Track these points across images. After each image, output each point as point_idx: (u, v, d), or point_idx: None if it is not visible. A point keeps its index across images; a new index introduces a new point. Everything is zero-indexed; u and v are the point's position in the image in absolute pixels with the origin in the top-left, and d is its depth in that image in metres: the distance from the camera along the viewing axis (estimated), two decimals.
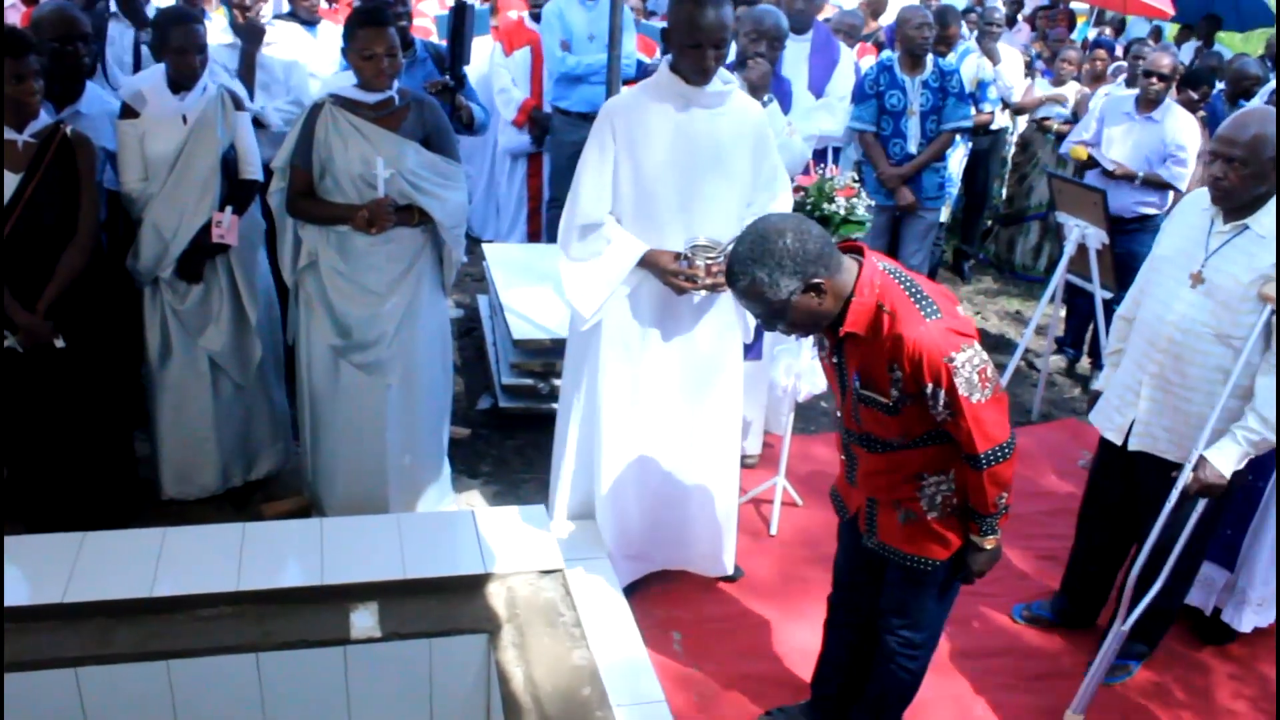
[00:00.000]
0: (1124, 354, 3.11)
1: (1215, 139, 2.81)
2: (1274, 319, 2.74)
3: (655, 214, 3.03)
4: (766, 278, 2.16)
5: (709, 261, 2.95)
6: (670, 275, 2.99)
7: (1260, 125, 2.72)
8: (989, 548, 2.41)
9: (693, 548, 3.45)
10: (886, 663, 2.66)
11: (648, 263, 3.02)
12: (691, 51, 2.90)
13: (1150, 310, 2.97)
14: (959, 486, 2.39)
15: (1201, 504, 2.91)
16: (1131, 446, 3.02)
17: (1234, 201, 2.80)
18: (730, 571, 3.54)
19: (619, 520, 3.30)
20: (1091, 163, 5.44)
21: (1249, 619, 3.43)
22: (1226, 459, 2.81)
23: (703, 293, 3.03)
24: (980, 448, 2.25)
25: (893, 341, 2.20)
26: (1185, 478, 2.85)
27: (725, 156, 3.02)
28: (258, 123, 4.24)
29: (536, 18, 6.15)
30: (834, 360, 2.40)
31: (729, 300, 3.14)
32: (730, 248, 2.88)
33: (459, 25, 4.04)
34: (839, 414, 2.49)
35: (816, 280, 2.18)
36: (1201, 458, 2.82)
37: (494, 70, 6.17)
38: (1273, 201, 2.78)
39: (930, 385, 2.20)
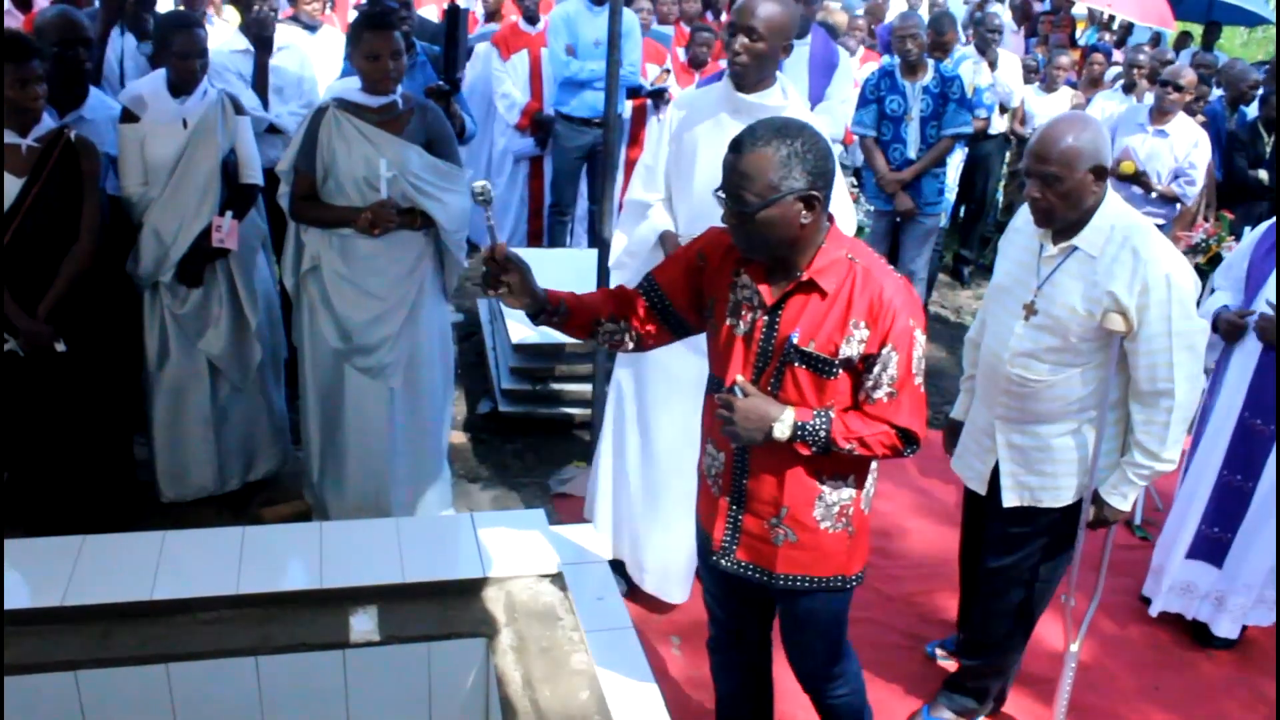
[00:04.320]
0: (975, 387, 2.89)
1: (1026, 154, 2.54)
2: (1127, 346, 2.54)
3: (689, 212, 3.04)
4: (784, 155, 1.95)
5: None
6: None
7: (1072, 137, 2.44)
8: (783, 432, 2.07)
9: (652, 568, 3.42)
10: (824, 700, 2.55)
11: (664, 243, 3.06)
12: (728, 38, 2.91)
13: (988, 346, 2.73)
14: (859, 489, 2.23)
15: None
16: (1007, 503, 2.75)
17: (1055, 222, 2.54)
18: (683, 599, 3.44)
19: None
20: (1136, 178, 5.32)
21: (1227, 625, 3.44)
22: (1124, 498, 2.67)
23: None
24: (918, 430, 2.11)
25: (866, 296, 2.04)
26: (1086, 515, 2.73)
27: None
28: (275, 129, 4.28)
29: (531, 21, 6.19)
30: (764, 318, 2.12)
31: None
32: None
33: (452, 30, 4.05)
34: (734, 391, 2.12)
35: (817, 194, 1.98)
36: (1099, 498, 2.70)
37: (494, 75, 6.19)
38: (1097, 216, 2.52)
39: (888, 348, 2.05)
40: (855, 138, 5.60)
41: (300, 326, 3.46)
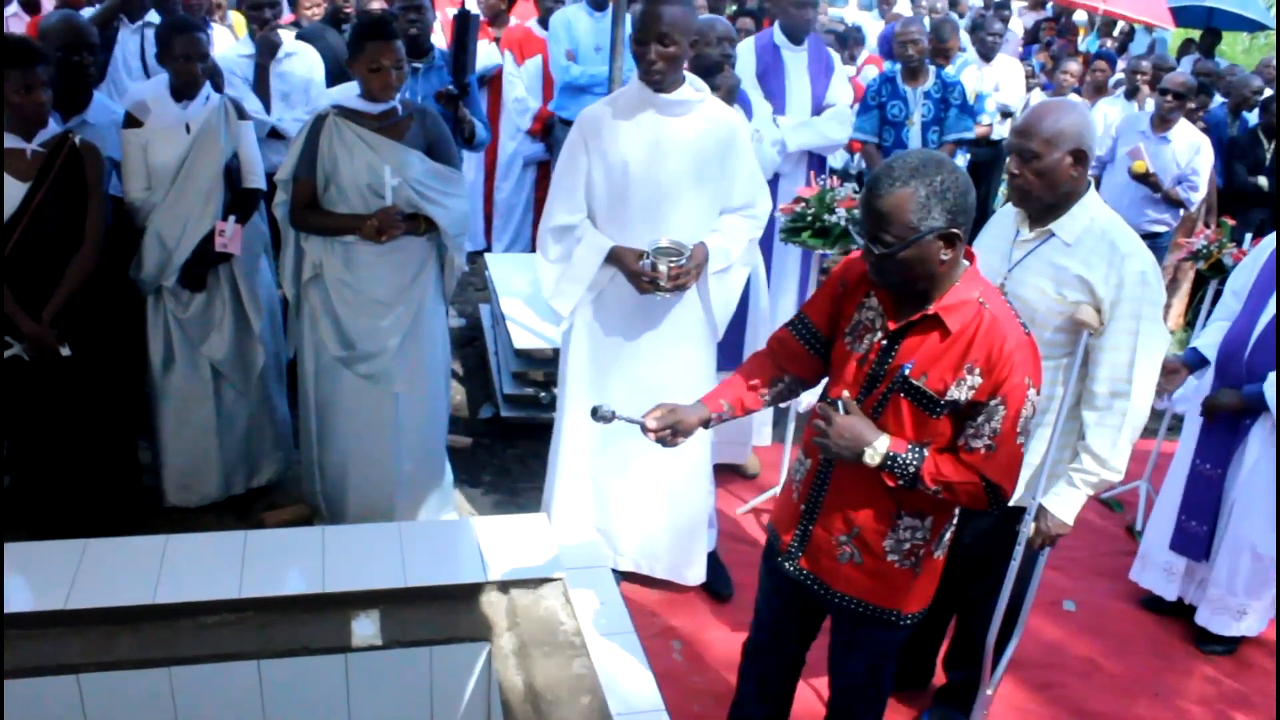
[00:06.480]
0: None
1: (1012, 129, 2.52)
2: (1091, 343, 2.49)
3: (625, 218, 3.09)
4: (923, 195, 1.93)
5: (671, 265, 2.99)
6: (633, 275, 3.05)
7: (1056, 116, 2.42)
8: (873, 458, 2.06)
9: (660, 553, 3.47)
10: (841, 715, 2.54)
11: (614, 259, 3.08)
12: (639, 49, 2.94)
13: None
14: (934, 533, 2.22)
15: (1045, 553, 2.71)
16: None
17: (1032, 204, 2.50)
18: (699, 581, 3.51)
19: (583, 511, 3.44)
20: (1146, 177, 5.34)
21: (1233, 626, 3.44)
22: (1067, 507, 2.56)
23: (667, 295, 3.05)
24: (1008, 489, 2.09)
25: (987, 344, 2.01)
26: (1027, 530, 2.62)
27: (695, 161, 3.05)
28: (276, 133, 4.29)
29: (545, 25, 6.18)
30: (883, 343, 2.11)
31: (696, 306, 3.17)
32: (691, 251, 2.99)
33: (461, 34, 4.06)
34: (836, 405, 2.14)
35: (957, 231, 1.96)
36: (1041, 507, 2.59)
37: (507, 80, 6.21)
38: (1077, 207, 2.48)
39: (996, 400, 2.02)
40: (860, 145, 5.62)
41: (301, 334, 3.46)
